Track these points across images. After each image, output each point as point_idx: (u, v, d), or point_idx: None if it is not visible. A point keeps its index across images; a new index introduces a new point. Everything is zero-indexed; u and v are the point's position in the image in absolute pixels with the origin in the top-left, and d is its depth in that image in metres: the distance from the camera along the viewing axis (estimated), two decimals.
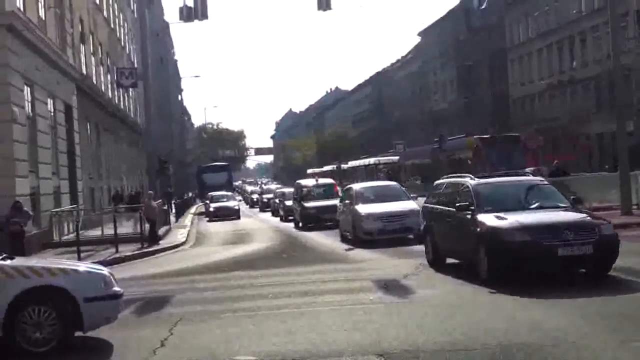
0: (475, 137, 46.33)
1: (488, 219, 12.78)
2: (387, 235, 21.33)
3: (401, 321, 10.03)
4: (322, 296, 12.72)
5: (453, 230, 14.37)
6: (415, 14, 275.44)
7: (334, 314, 10.96)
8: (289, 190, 40.44)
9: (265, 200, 53.15)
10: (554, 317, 9.61)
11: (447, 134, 53.94)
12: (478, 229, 12.80)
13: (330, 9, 32.56)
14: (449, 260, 15.05)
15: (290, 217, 34.88)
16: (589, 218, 13.24)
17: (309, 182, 35.86)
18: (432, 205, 16.05)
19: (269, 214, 46.22)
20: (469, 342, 8.56)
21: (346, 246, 21.82)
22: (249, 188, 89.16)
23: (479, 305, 10.91)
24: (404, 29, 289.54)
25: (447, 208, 14.77)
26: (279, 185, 64.05)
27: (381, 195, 23.67)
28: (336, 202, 27.17)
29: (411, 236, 20.97)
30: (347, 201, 23.97)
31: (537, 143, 40.90)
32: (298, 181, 37.89)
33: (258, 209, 54.19)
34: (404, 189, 25.74)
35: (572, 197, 14.98)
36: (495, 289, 11.72)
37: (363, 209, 22.31)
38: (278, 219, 39.65)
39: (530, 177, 15.82)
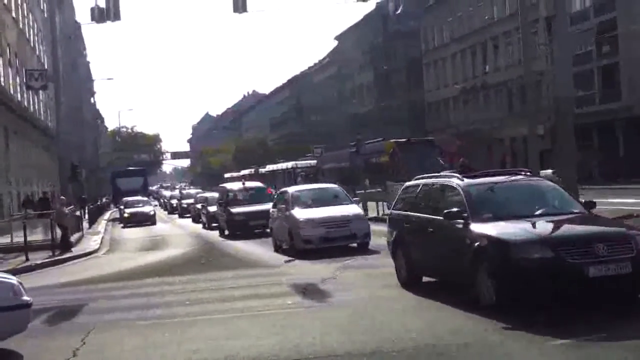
0: (391, 140, 46.85)
1: (489, 229, 10.16)
2: (330, 243, 18.95)
3: (320, 325, 9.99)
4: (241, 301, 12.58)
5: (436, 244, 11.57)
6: (333, 17, 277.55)
7: (253, 319, 10.84)
8: (212, 195, 38.41)
9: (184, 205, 50.10)
10: (465, 319, 9.68)
11: (365, 138, 54.40)
12: (477, 243, 10.02)
13: (246, 11, 32.35)
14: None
15: (215, 225, 32.06)
16: (622, 228, 10.58)
17: (235, 185, 32.83)
18: (405, 213, 12.91)
19: (189, 219, 43.99)
20: (384, 344, 8.56)
21: (284, 257, 19.44)
22: (167, 193, 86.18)
23: (393, 309, 10.95)
24: (321, 33, 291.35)
25: (426, 216, 11.91)
26: (199, 190, 60.54)
27: (321, 199, 21.36)
28: (268, 206, 24.33)
29: (355, 244, 19.56)
30: (281, 206, 21.37)
31: (454, 146, 41.62)
32: (223, 185, 35.67)
33: (177, 215, 51.57)
34: (344, 191, 23.04)
35: (583, 200, 12.19)
36: (404, 296, 11.76)
37: (301, 214, 19.96)
38: (200, 225, 37.16)
39: (530, 177, 12.42)
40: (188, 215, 46.25)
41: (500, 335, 8.62)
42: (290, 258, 18.90)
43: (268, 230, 23.67)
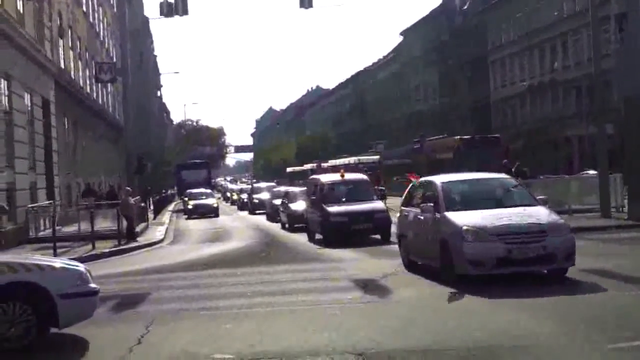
0: (456, 137, 46.41)
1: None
2: (513, 268, 12.32)
3: (378, 321, 9.98)
4: (301, 295, 12.64)
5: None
6: (399, 12, 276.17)
7: (312, 313, 10.89)
8: (296, 189, 32.74)
9: (256, 200, 43.99)
10: (524, 320, 9.57)
11: (428, 136, 53.99)
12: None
13: (312, 6, 32.51)
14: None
15: (298, 225, 26.88)
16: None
17: (330, 177, 26.21)
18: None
19: (262, 217, 38.84)
20: (443, 342, 8.51)
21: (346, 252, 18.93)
22: (234, 186, 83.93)
23: (453, 307, 10.87)
24: (387, 27, 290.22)
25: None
26: (272, 184, 53.59)
27: (487, 196, 14.07)
28: (375, 205, 22.04)
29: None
30: (426, 204, 13.89)
31: (519, 146, 40.90)
32: (314, 176, 29.63)
33: (247, 212, 46.17)
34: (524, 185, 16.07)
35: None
36: (469, 292, 11.66)
37: (462, 218, 12.78)
38: (277, 225, 31.56)
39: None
40: (261, 212, 40.97)
41: (559, 338, 8.47)
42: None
43: (379, 236, 21.53)
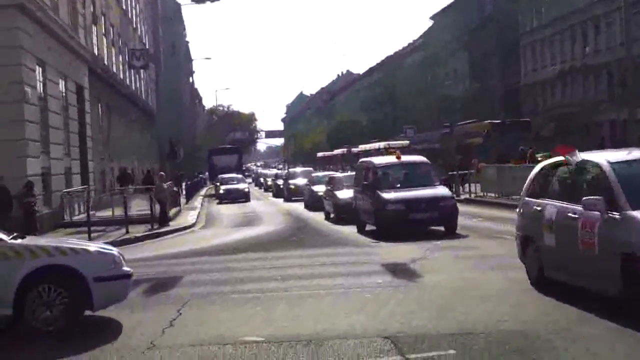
0: (486, 122, 46.20)
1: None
2: None
3: (408, 305, 10.09)
4: (331, 279, 12.78)
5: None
6: None
7: (342, 297, 11.02)
8: (341, 175, 30.16)
9: (292, 187, 41.08)
10: (560, 307, 9.62)
11: (458, 121, 53.70)
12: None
13: None
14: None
15: (343, 215, 24.23)
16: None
17: (384, 159, 23.30)
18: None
19: (299, 204, 35.68)
20: (474, 326, 8.59)
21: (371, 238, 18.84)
22: (265, 171, 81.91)
23: (487, 290, 10.94)
24: (417, 12, 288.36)
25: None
26: (310, 169, 49.94)
27: None
28: (439, 191, 19.65)
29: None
30: (593, 199, 9.06)
31: (549, 131, 40.70)
32: (365, 159, 25.77)
33: (283, 199, 42.52)
34: None
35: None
36: (510, 276, 11.71)
37: None
38: (320, 215, 28.03)
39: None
40: (297, 199, 37.88)
41: (589, 327, 8.41)
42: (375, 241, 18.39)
43: (441, 228, 19.09)
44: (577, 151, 10.18)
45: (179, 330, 9.29)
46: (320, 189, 29.99)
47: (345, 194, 24.58)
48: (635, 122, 25.59)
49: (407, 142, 61.68)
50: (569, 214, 9.61)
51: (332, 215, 25.95)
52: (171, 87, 77.37)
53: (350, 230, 21.58)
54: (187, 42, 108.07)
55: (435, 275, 12.53)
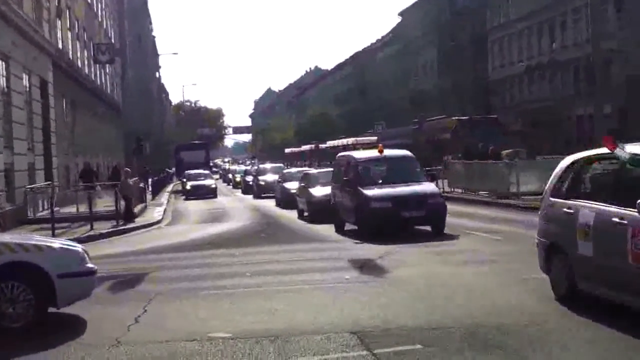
0: (453, 118, 46.49)
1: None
2: None
3: (376, 300, 10.07)
4: (300, 274, 12.72)
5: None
6: None
7: (312, 292, 10.97)
8: (315, 172, 28.75)
9: (262, 183, 39.85)
10: (527, 300, 9.67)
11: (428, 116, 53.99)
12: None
13: None
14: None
15: (318, 214, 23.06)
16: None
17: (366, 153, 22.05)
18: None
19: (270, 202, 34.31)
20: (442, 320, 8.60)
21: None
22: (234, 167, 79.02)
23: (456, 286, 10.96)
24: (384, 8, 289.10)
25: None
26: (280, 165, 49.04)
27: None
28: (427, 187, 18.57)
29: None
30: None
31: (517, 126, 41.11)
32: (345, 153, 24.47)
33: (252, 196, 41.29)
34: None
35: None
36: (480, 271, 11.76)
37: None
38: (293, 213, 26.80)
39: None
40: (267, 195, 36.89)
41: (561, 320, 8.50)
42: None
43: (428, 228, 17.89)
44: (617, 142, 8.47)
45: (144, 326, 9.19)
46: (292, 186, 29.01)
47: (319, 191, 23.68)
48: (604, 117, 25.86)
49: (375, 138, 61.86)
50: (614, 219, 8.05)
51: (305, 214, 24.86)
52: (138, 82, 76.79)
53: (326, 228, 20.57)
54: (154, 37, 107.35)
55: (404, 271, 12.54)
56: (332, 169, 23.91)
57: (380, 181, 18.64)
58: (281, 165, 49.68)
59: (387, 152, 20.41)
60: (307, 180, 25.96)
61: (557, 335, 7.79)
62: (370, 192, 18.03)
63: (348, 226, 19.61)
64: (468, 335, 7.88)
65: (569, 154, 10.34)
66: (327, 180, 23.35)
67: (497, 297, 9.89)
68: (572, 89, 55.88)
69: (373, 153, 20.62)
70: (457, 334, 7.96)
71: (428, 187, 18.62)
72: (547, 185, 9.96)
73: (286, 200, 29.60)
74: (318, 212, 23.02)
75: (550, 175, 10.00)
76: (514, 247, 14.49)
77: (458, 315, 8.85)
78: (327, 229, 20.43)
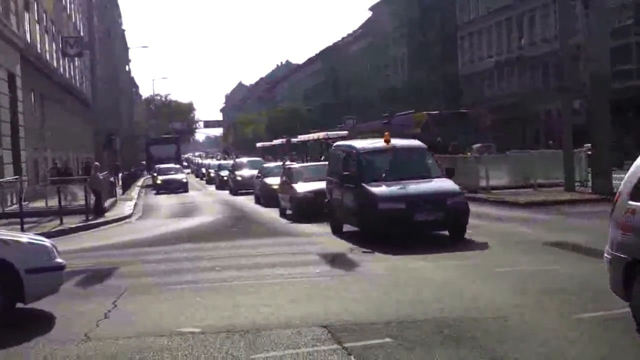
0: (423, 112, 46.72)
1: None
2: None
3: (346, 294, 10.10)
4: (270, 269, 12.72)
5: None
6: None
7: (282, 287, 10.99)
8: (297, 166, 27.25)
9: (239, 178, 37.43)
10: (493, 293, 9.77)
11: (399, 111, 54.14)
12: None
13: None
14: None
15: (303, 212, 21.38)
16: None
17: (369, 143, 18.55)
18: None
19: (247, 198, 32.48)
20: (411, 314, 8.65)
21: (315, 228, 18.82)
22: (208, 161, 75.12)
23: (427, 279, 11.03)
24: (355, 2, 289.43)
25: None
26: (258, 159, 46.65)
27: None
28: (444, 184, 15.74)
29: None
30: None
31: (487, 121, 41.45)
32: (342, 143, 21.14)
33: (229, 191, 39.11)
34: None
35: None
36: (436, 270, 11.84)
37: None
38: (270, 210, 25.63)
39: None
40: (245, 191, 34.94)
41: (526, 308, 8.69)
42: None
43: (444, 232, 15.45)
44: None
45: (114, 321, 9.14)
46: (273, 181, 26.86)
47: (304, 186, 21.95)
48: (574, 113, 26.11)
49: (346, 132, 61.95)
50: None
51: (288, 212, 23.17)
52: (108, 75, 76.12)
53: (315, 230, 18.51)
54: (124, 30, 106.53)
55: (374, 264, 12.58)
56: (314, 164, 22.48)
57: (389, 177, 15.88)
58: (259, 159, 47.10)
59: (395, 141, 17.31)
60: (290, 176, 23.90)
61: (527, 328, 7.88)
62: (377, 190, 15.20)
63: (346, 227, 17.19)
64: (438, 329, 7.94)
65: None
66: (311, 175, 22.38)
67: (469, 290, 9.97)
68: (541, 84, 56.44)
69: (378, 143, 17.64)
70: (427, 328, 8.01)
71: (446, 184, 15.76)
72: (622, 185, 7.88)
73: (267, 197, 27.69)
74: (302, 209, 21.38)
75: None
76: (485, 241, 14.57)
77: (428, 309, 8.91)
78: (314, 229, 18.65)
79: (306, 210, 20.90)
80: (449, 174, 16.53)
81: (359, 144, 18.28)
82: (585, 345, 7.27)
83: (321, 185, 19.81)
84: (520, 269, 11.36)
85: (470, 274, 11.20)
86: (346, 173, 16.66)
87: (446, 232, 15.40)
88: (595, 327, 7.81)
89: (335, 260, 13.29)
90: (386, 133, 17.61)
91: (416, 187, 15.42)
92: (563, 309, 8.58)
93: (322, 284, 11.01)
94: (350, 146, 18.25)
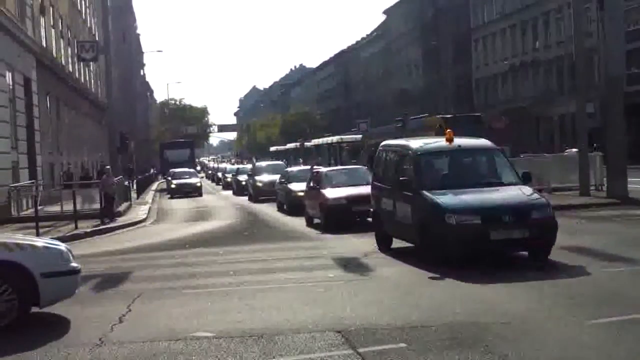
0: (437, 116, 46.59)
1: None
2: None
3: (360, 299, 10.09)
4: (284, 273, 12.72)
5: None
6: None
7: (295, 291, 10.98)
8: (326, 170, 25.17)
9: (259, 184, 34.43)
10: (508, 300, 9.74)
11: (412, 114, 53.99)
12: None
13: None
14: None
15: (335, 221, 19.50)
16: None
17: (428, 142, 15.04)
18: None
19: (270, 206, 29.80)
20: (425, 319, 8.63)
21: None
22: (223, 165, 74.02)
23: (439, 284, 11.00)
24: (370, 6, 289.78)
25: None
26: (279, 162, 43.69)
27: None
28: (525, 192, 12.81)
29: None
30: None
31: (502, 124, 41.20)
32: (392, 142, 16.61)
33: (247, 197, 36.81)
34: None
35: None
36: (448, 274, 11.79)
37: None
38: (299, 219, 22.99)
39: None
40: (267, 198, 31.94)
41: (540, 314, 8.64)
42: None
43: (525, 253, 12.54)
44: None
45: (128, 326, 9.17)
46: (299, 187, 24.81)
47: (334, 192, 20.17)
48: (588, 116, 25.98)
49: (360, 136, 61.93)
50: None
51: (315, 220, 21.26)
52: (123, 80, 76.45)
53: (356, 243, 16.28)
54: (138, 34, 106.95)
55: (388, 269, 12.56)
56: (345, 167, 20.78)
57: (456, 183, 13.10)
58: (281, 163, 44.35)
59: (459, 140, 14.11)
60: (318, 180, 21.82)
61: (542, 332, 7.84)
62: (443, 199, 12.38)
63: (397, 242, 14.72)
64: (451, 333, 7.91)
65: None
66: (341, 180, 21.09)
67: (481, 295, 9.94)
68: (555, 87, 56.24)
69: (438, 142, 14.60)
70: (440, 332, 7.99)
71: (527, 192, 12.93)
72: None
73: (291, 205, 25.55)
74: (333, 219, 19.50)
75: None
76: None
77: (441, 313, 8.89)
78: (354, 243, 16.38)
79: (338, 219, 19.23)
80: (526, 179, 13.69)
81: (415, 143, 14.69)
82: (601, 350, 7.22)
83: (354, 191, 19.00)
84: (535, 273, 11.30)
85: (483, 279, 11.12)
86: (403, 178, 13.63)
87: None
88: (611, 332, 7.77)
89: (349, 264, 13.26)
90: (448, 130, 14.72)
91: (491, 196, 12.54)
92: (578, 314, 8.54)
93: (335, 288, 10.96)
94: (404, 146, 15.00)
